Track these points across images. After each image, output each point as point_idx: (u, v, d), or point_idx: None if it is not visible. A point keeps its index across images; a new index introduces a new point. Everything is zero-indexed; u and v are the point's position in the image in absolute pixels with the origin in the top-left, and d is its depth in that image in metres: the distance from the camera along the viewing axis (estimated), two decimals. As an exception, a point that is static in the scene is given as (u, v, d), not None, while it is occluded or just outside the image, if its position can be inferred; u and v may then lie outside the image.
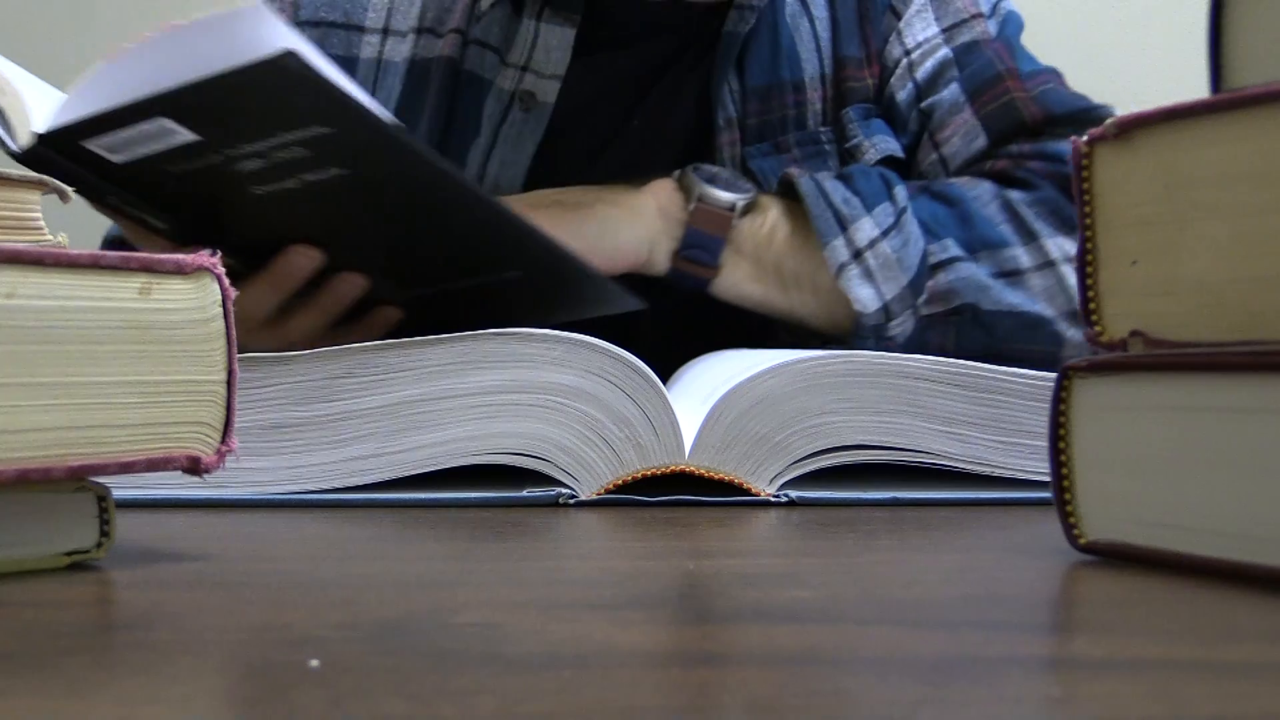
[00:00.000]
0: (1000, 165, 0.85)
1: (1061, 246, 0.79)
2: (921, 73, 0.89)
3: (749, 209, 0.79)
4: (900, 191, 0.79)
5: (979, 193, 0.81)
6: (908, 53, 0.90)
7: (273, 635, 0.30)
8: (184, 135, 0.58)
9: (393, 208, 0.67)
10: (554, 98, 0.86)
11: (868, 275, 0.76)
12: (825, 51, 0.90)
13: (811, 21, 0.90)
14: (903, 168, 0.88)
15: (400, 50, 0.89)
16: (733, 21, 0.88)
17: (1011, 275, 0.79)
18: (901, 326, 0.78)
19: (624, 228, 0.78)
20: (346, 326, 0.73)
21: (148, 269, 0.37)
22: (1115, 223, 0.39)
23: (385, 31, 0.90)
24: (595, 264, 0.74)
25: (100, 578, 0.37)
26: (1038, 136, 0.85)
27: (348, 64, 0.90)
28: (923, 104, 0.88)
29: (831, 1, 0.91)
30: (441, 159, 0.63)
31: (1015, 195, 0.81)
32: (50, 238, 0.39)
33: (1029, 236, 0.80)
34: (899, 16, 0.91)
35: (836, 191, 0.78)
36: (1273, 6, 0.38)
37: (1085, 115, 0.85)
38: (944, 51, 0.89)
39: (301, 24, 0.91)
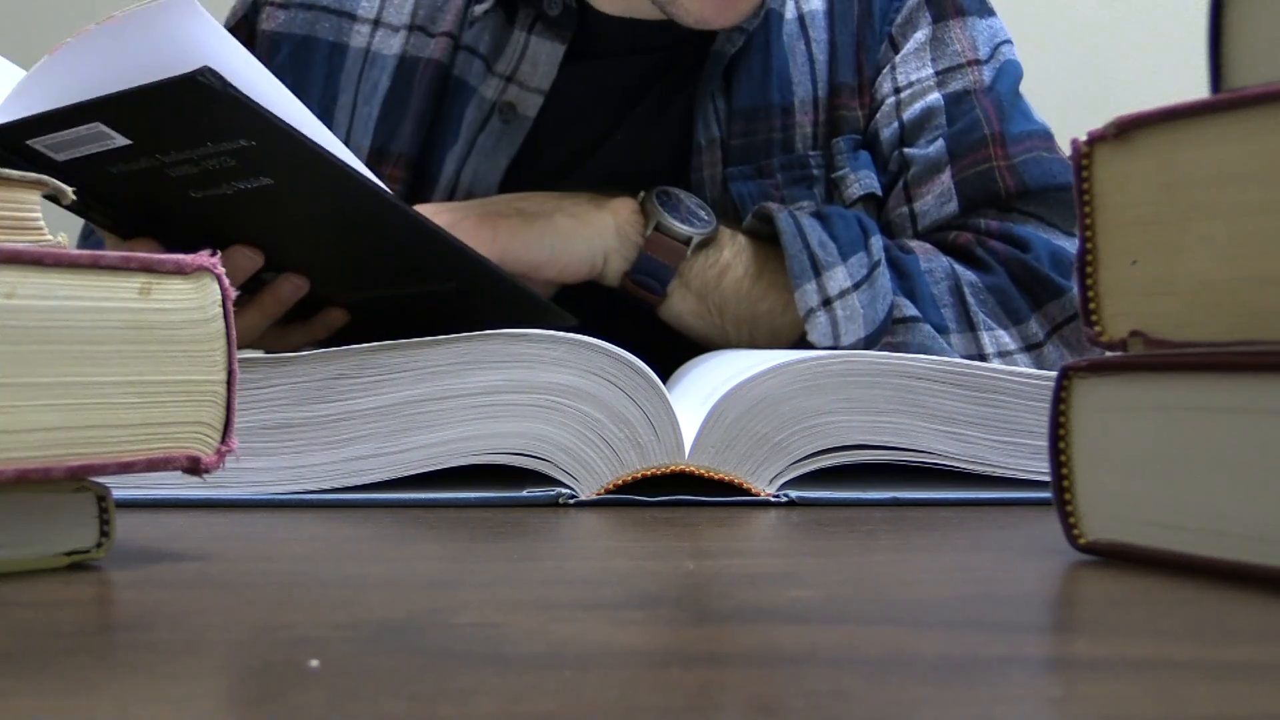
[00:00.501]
0: (964, 239, 0.84)
1: (998, 340, 0.81)
2: (909, 114, 0.88)
3: (704, 244, 0.80)
4: (876, 243, 0.79)
5: (932, 267, 0.82)
6: (897, 90, 0.89)
7: (273, 635, 0.30)
8: (118, 140, 0.59)
9: (323, 217, 0.68)
10: (535, 112, 0.87)
11: (832, 324, 0.77)
12: (820, 75, 0.89)
13: (809, 44, 0.90)
14: (880, 207, 0.89)
15: (391, 45, 0.89)
16: (721, 41, 0.87)
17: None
18: None
19: (579, 241, 0.79)
20: (290, 326, 0.75)
21: (148, 269, 0.37)
22: (1115, 223, 0.39)
23: (376, 23, 0.90)
24: (549, 272, 0.76)
25: (100, 578, 0.37)
26: (1008, 210, 0.85)
27: (337, 50, 0.90)
28: (906, 149, 0.88)
29: (832, 25, 0.90)
30: (365, 176, 0.64)
31: (968, 278, 0.82)
32: (50, 238, 0.39)
33: (968, 326, 0.81)
34: (896, 50, 0.90)
35: (814, 233, 0.78)
36: (1273, 6, 0.38)
37: (1059, 192, 0.84)
38: (934, 96, 0.88)
39: (292, 5, 0.91)
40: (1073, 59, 1.52)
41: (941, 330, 0.80)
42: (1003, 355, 0.80)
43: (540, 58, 0.87)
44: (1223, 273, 0.36)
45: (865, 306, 0.77)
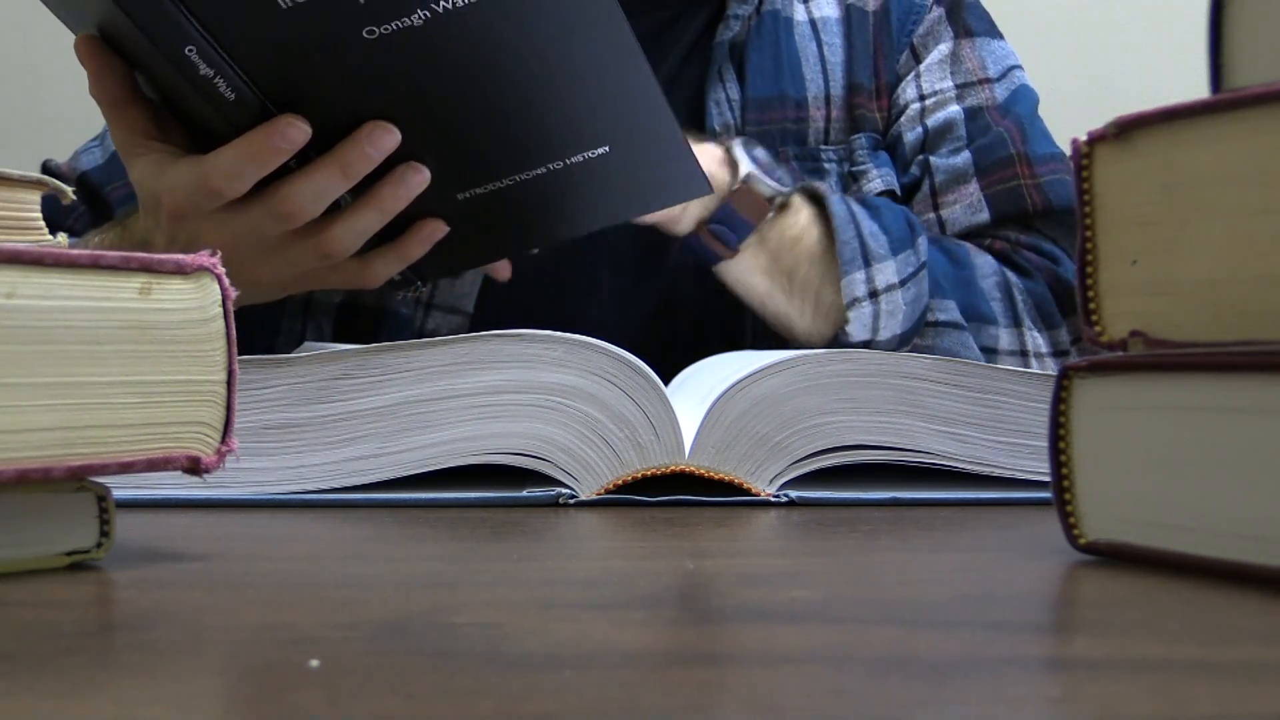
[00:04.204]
0: (1000, 246, 0.87)
1: (1036, 342, 0.83)
2: (932, 121, 0.91)
3: (782, 206, 0.79)
4: (922, 242, 0.80)
5: (982, 264, 0.84)
6: (922, 98, 0.91)
7: (273, 635, 0.30)
8: None
9: (519, 48, 0.60)
10: None
11: (875, 316, 0.77)
12: (834, 75, 0.91)
13: (820, 46, 0.92)
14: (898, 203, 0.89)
15: None
16: (720, 32, 0.89)
17: (988, 353, 0.82)
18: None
19: None
20: (375, 253, 0.68)
21: (148, 269, 0.37)
22: (1115, 223, 0.39)
23: None
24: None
25: (100, 578, 0.37)
26: (1029, 228, 0.88)
27: None
28: (931, 155, 0.90)
29: (848, 31, 0.93)
30: None
31: (1013, 278, 0.84)
32: (50, 238, 0.39)
33: (1015, 321, 0.83)
34: (918, 59, 0.92)
35: (866, 222, 0.78)
36: (1273, 6, 0.38)
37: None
38: (954, 108, 0.91)
39: None
40: (1073, 59, 1.52)
41: (990, 321, 0.81)
42: (1037, 357, 0.82)
43: None
44: (1223, 273, 0.36)
45: (908, 305, 0.78)
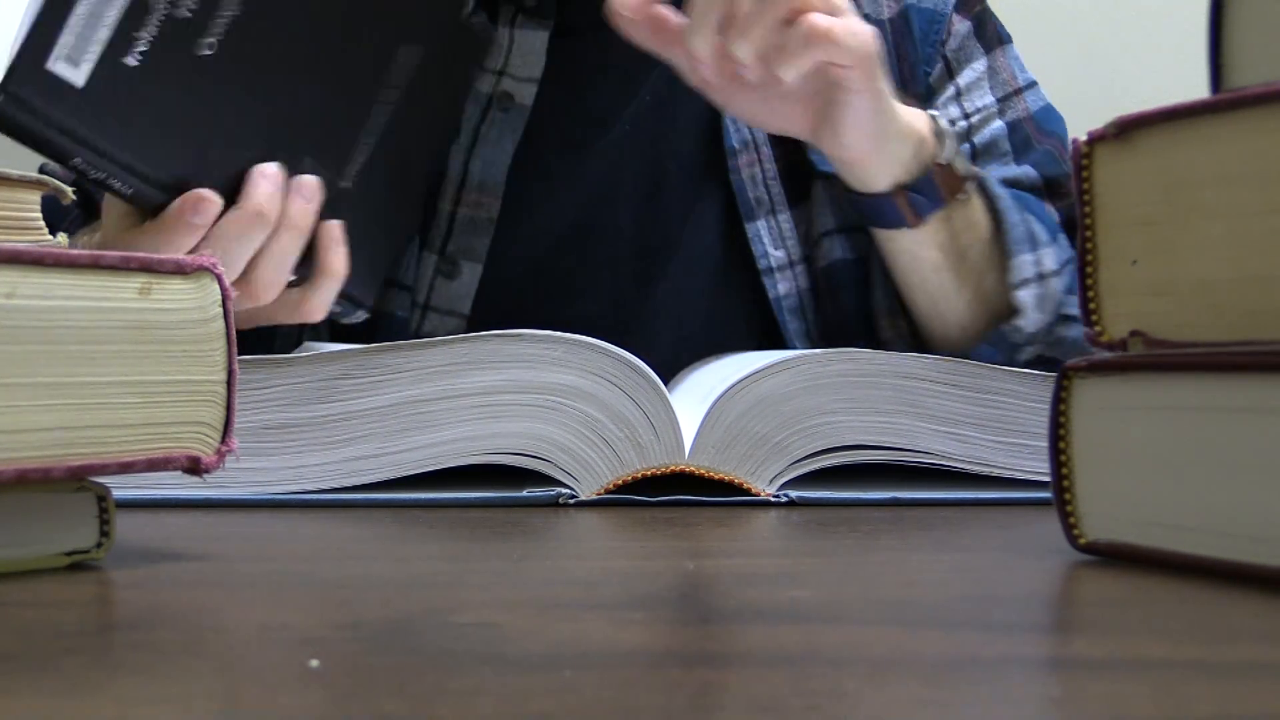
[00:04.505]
0: None
1: None
2: (979, 138, 0.91)
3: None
4: (1063, 238, 0.81)
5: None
6: (967, 116, 0.91)
7: (273, 635, 0.30)
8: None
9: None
10: (531, 100, 0.86)
11: (1040, 299, 0.78)
12: None
13: None
14: None
15: None
16: None
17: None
18: (1021, 355, 0.79)
19: (903, 137, 0.77)
20: (311, 269, 0.68)
21: (148, 269, 0.37)
22: (1115, 223, 0.39)
23: None
24: (872, 155, 0.73)
25: (100, 578, 0.37)
26: None
27: None
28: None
29: None
30: None
31: None
32: (50, 238, 0.39)
33: None
34: (952, 74, 0.91)
35: (1027, 210, 0.79)
36: (1273, 6, 0.38)
37: None
38: (998, 124, 0.91)
39: None
40: (1073, 59, 1.52)
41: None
42: None
43: (526, 48, 0.87)
44: (1223, 273, 0.36)
45: (1062, 293, 0.78)
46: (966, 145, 0.90)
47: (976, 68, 0.92)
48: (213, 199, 0.62)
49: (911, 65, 0.91)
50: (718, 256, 0.86)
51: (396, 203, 0.75)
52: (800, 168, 0.86)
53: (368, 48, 0.68)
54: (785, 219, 0.86)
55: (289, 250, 0.65)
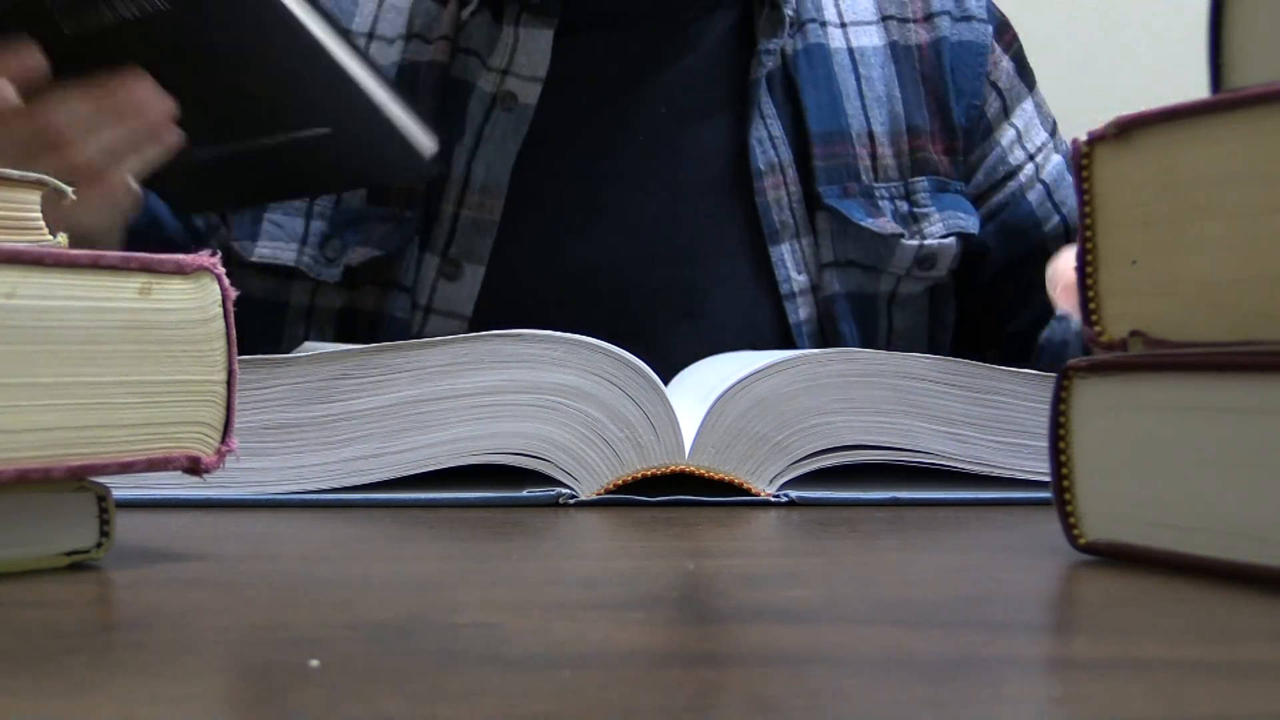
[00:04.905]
0: None
1: None
2: (1046, 175, 0.93)
3: None
4: None
5: None
6: (1031, 157, 0.93)
7: (273, 635, 0.30)
8: None
9: (209, 47, 0.66)
10: (535, 99, 0.86)
11: None
12: (878, 113, 0.90)
13: (859, 80, 0.90)
14: (974, 244, 0.91)
15: (388, 55, 0.89)
16: (754, 70, 0.87)
17: None
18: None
19: None
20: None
21: (148, 269, 0.37)
22: (1115, 223, 0.39)
23: (371, 35, 0.89)
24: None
25: (100, 578, 0.37)
26: None
27: None
28: (1063, 206, 0.92)
29: (896, 67, 0.92)
30: None
31: None
32: (50, 238, 0.39)
33: None
34: (1008, 114, 0.93)
35: None
36: (1273, 6, 0.38)
37: None
38: (1057, 158, 0.93)
39: None
40: (1073, 59, 1.52)
41: None
42: None
43: (531, 47, 0.86)
44: (1223, 273, 0.36)
45: None
46: (1039, 186, 0.93)
47: (1026, 108, 0.94)
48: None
49: (942, 97, 0.92)
50: (743, 274, 0.86)
51: (241, 185, 0.77)
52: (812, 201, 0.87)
53: (270, 107, 0.71)
54: (809, 243, 0.87)
55: (80, 102, 0.66)
